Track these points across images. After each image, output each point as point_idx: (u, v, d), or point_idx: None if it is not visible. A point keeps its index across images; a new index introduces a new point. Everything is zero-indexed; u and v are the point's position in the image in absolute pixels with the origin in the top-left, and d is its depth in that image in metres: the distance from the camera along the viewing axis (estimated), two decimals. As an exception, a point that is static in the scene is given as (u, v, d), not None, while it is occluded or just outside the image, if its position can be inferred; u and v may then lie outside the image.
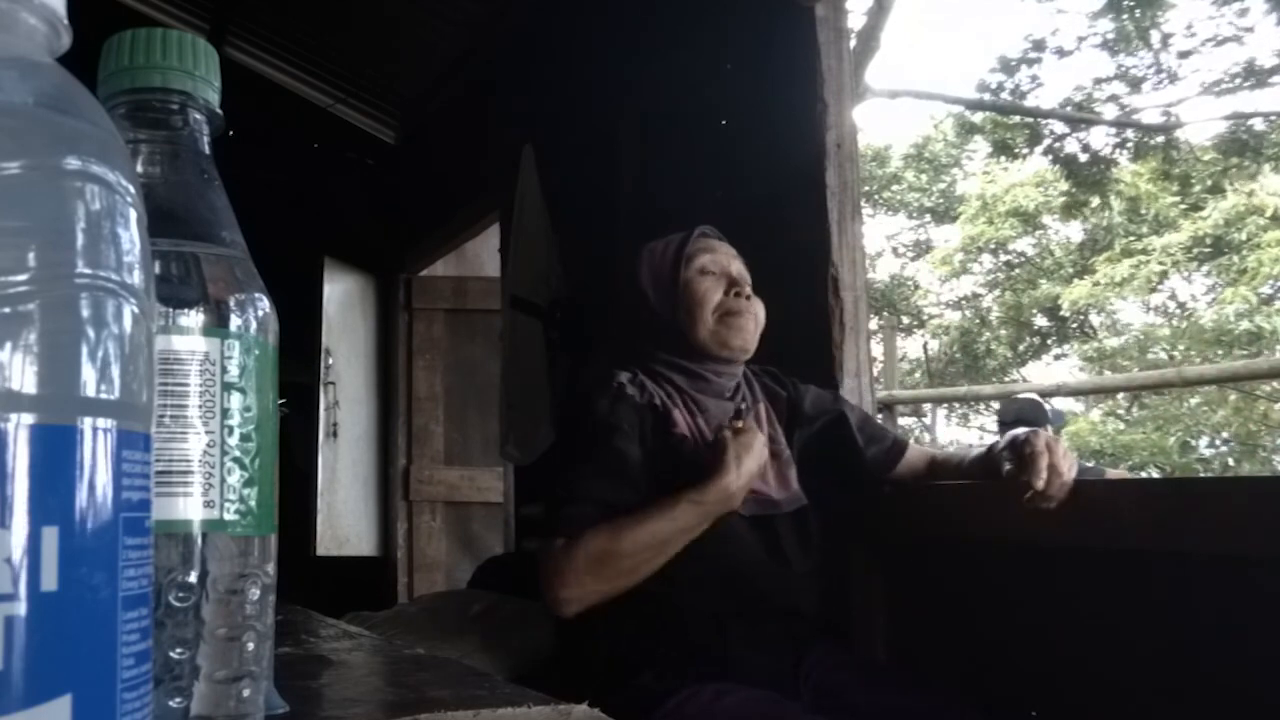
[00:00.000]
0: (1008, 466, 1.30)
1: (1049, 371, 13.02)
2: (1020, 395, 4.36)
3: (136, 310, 0.28)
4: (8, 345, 0.24)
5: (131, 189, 0.29)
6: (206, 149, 0.46)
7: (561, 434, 1.48)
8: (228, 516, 0.42)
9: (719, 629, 1.29)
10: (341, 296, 4.28)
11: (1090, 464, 4.46)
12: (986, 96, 10.43)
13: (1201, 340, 9.70)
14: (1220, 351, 9.35)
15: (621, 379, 1.40)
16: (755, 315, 1.44)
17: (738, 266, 1.48)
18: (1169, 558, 1.19)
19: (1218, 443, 10.61)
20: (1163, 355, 10.81)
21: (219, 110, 0.47)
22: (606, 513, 1.27)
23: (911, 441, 1.58)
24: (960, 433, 13.67)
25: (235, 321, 0.43)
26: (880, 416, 1.72)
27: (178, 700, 0.39)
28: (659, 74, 2.28)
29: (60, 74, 0.28)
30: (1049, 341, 13.08)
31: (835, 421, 1.53)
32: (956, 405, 12.37)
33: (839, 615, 1.56)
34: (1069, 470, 1.24)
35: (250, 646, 0.42)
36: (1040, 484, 1.21)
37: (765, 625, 1.32)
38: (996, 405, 4.31)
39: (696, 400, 1.44)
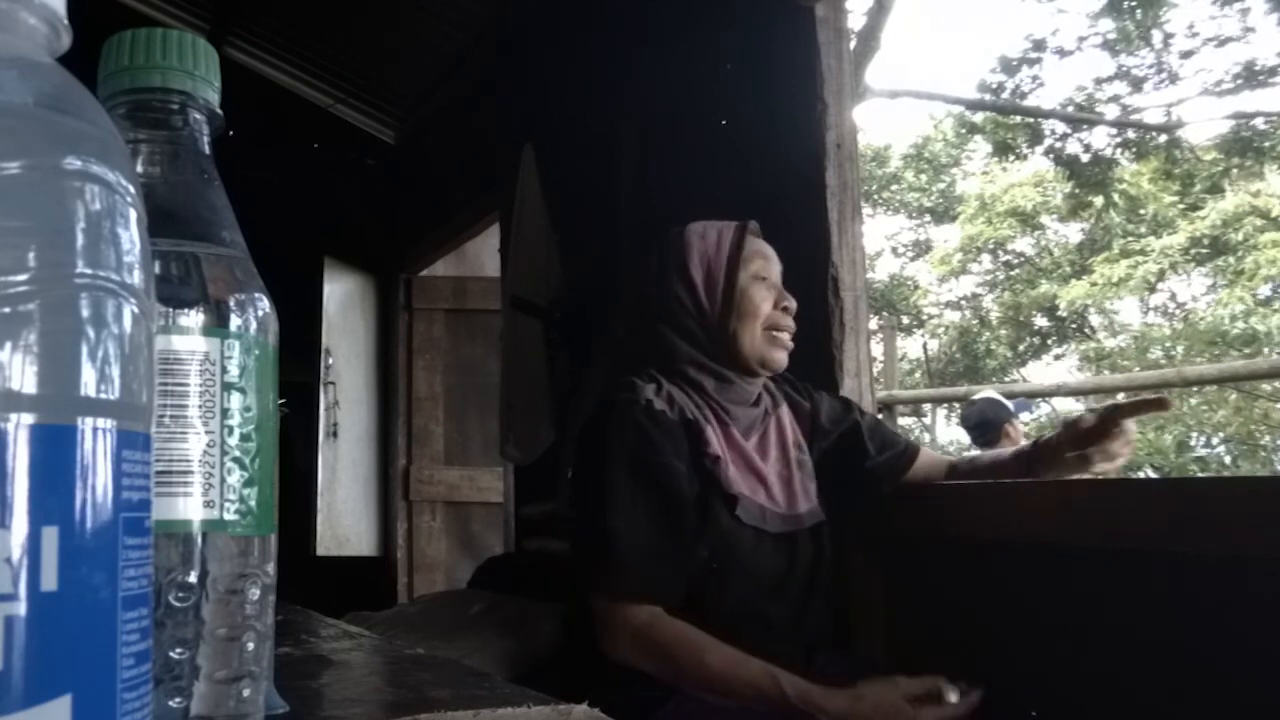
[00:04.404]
0: (1088, 425, 1.34)
1: (1049, 371, 13.03)
2: (978, 396, 4.32)
3: (136, 310, 0.28)
4: (8, 345, 0.24)
5: (131, 189, 0.29)
6: (206, 149, 0.46)
7: (583, 455, 1.35)
8: (228, 516, 0.42)
9: (729, 639, 1.28)
10: (341, 296, 4.28)
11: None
12: (987, 96, 10.43)
13: (1199, 341, 9.71)
14: (1218, 352, 9.36)
15: (648, 394, 1.31)
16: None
17: (779, 273, 1.41)
18: (1169, 558, 1.19)
19: (1214, 442, 10.62)
20: (1162, 356, 10.81)
21: (219, 110, 0.47)
22: (665, 571, 1.24)
23: (924, 448, 1.56)
24: (960, 433, 13.68)
25: (235, 321, 0.43)
26: (880, 416, 1.71)
27: (178, 700, 0.39)
28: (659, 74, 2.28)
29: (60, 74, 0.28)
30: (1049, 341, 13.09)
31: (849, 432, 1.49)
32: (956, 405, 12.39)
33: (841, 618, 1.56)
34: (1125, 456, 1.33)
35: (250, 646, 0.42)
36: (1116, 447, 1.31)
37: (774, 637, 1.31)
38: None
39: (726, 409, 1.37)
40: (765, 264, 1.39)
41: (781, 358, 1.38)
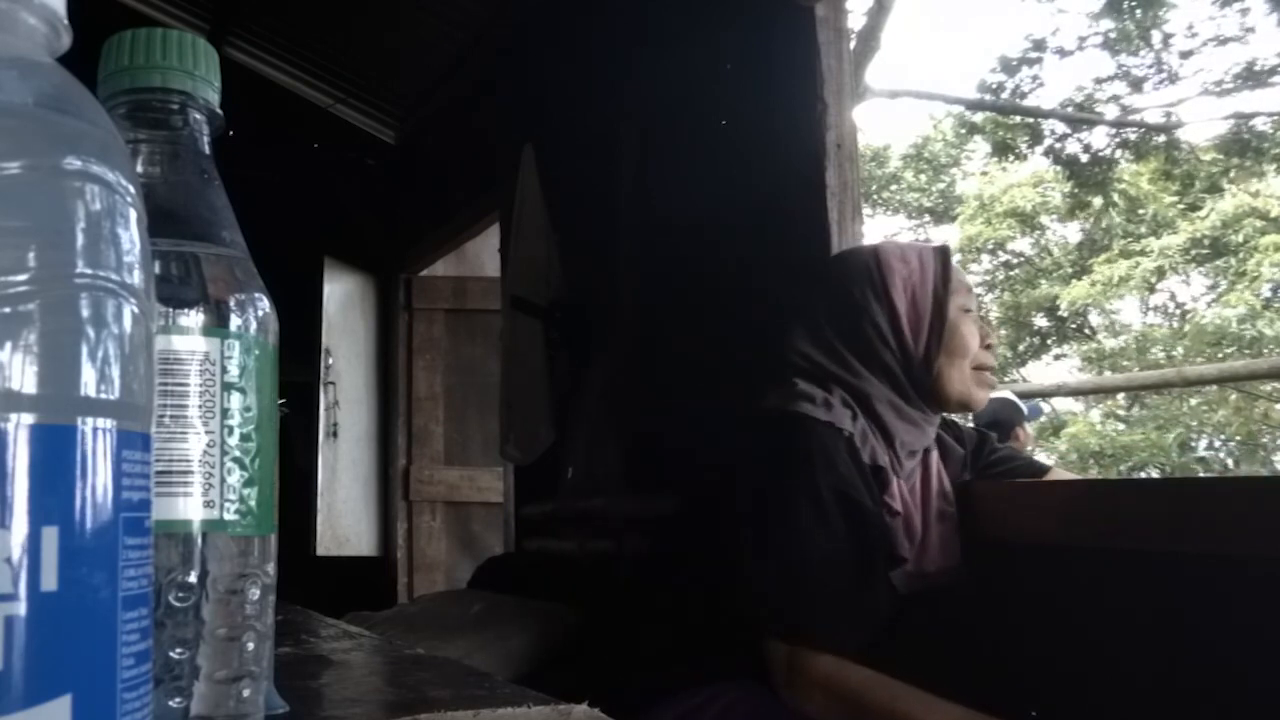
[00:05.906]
0: None
1: (1049, 371, 13.03)
2: (992, 395, 4.32)
3: (136, 310, 0.28)
4: (8, 345, 0.24)
5: (131, 189, 0.29)
6: (206, 149, 0.46)
7: (758, 471, 1.19)
8: (228, 516, 0.42)
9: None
10: (341, 296, 4.28)
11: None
12: (987, 96, 10.43)
13: (1203, 342, 9.72)
14: (1221, 353, 9.36)
15: (848, 426, 1.18)
16: None
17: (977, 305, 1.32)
18: (1169, 558, 1.19)
19: (1216, 443, 10.62)
20: (1162, 356, 10.82)
21: (219, 110, 0.47)
22: (857, 622, 1.14)
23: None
24: (960, 433, 13.63)
25: (235, 321, 0.43)
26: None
27: (178, 700, 0.39)
28: (659, 74, 2.28)
29: (60, 74, 0.28)
30: (1049, 341, 13.09)
31: (984, 470, 1.43)
32: (956, 405, 12.35)
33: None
34: None
35: (250, 646, 0.42)
36: None
37: None
38: None
39: (900, 460, 1.25)
40: (969, 296, 1.28)
41: (985, 399, 1.29)
